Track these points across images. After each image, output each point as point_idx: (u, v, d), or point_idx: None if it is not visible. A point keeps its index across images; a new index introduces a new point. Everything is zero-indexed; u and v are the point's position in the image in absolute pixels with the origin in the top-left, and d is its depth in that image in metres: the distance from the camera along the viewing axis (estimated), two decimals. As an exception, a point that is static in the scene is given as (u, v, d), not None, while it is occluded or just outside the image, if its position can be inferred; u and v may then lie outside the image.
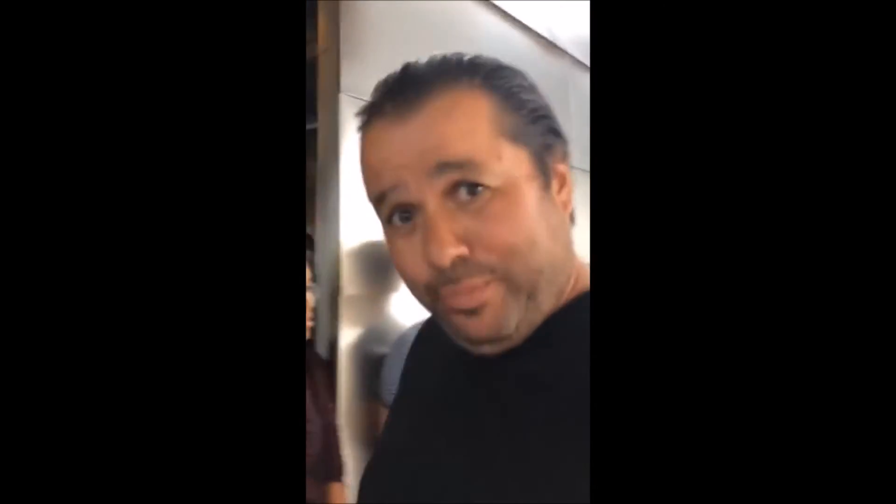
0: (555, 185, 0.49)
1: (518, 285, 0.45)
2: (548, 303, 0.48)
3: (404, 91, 0.46)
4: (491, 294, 0.45)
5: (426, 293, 0.47)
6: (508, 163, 0.45)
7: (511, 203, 0.45)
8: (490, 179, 0.44)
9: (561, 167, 0.50)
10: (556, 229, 0.48)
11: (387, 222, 0.48)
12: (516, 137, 0.46)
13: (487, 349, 0.48)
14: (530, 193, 0.46)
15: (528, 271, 0.45)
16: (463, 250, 0.44)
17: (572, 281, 0.50)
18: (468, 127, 0.44)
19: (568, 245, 0.50)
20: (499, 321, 0.46)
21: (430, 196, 0.44)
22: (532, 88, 0.50)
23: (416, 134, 0.44)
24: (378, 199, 0.47)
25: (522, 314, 0.46)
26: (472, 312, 0.46)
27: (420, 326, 0.69)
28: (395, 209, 0.47)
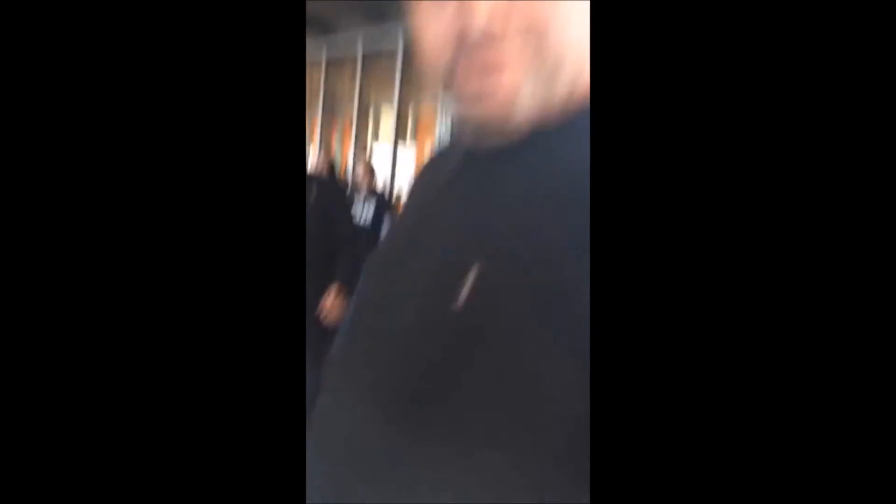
0: None
1: (543, 57, 0.44)
2: (561, 91, 0.46)
3: None
4: (517, 53, 0.44)
5: (448, 69, 0.46)
6: None
7: None
8: None
9: None
10: (584, 21, 0.44)
11: None
12: None
13: (493, 140, 0.48)
14: None
15: (557, 44, 0.44)
16: (498, 21, 0.42)
17: (583, 78, 0.47)
18: None
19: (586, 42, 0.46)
20: (513, 93, 0.44)
21: None
22: None
23: None
24: None
25: (537, 93, 0.45)
26: (488, 92, 0.44)
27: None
28: None
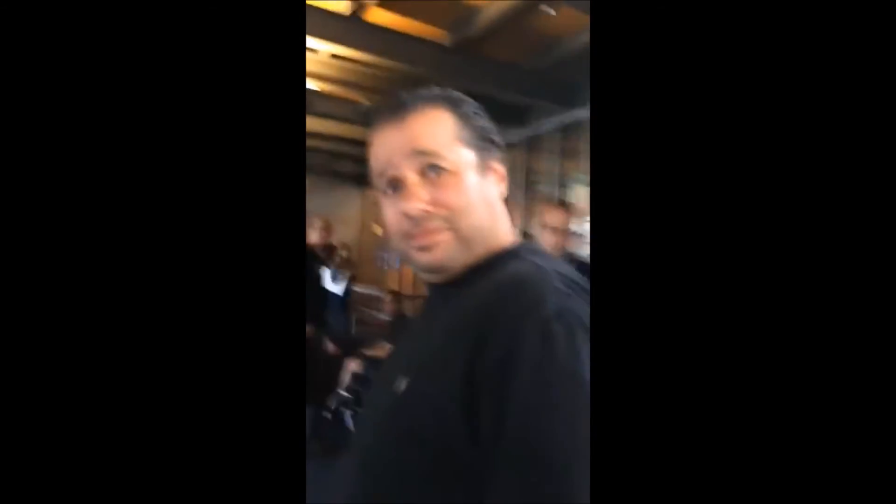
0: (494, 177, 0.78)
1: (461, 235, 0.72)
2: (479, 250, 0.74)
3: (399, 107, 0.74)
4: (442, 238, 0.71)
5: (401, 238, 0.73)
6: (459, 157, 0.73)
7: (460, 181, 0.72)
8: (447, 164, 0.71)
9: (499, 167, 0.79)
10: (491, 204, 0.76)
11: (383, 193, 0.75)
12: (466, 143, 0.75)
13: (434, 277, 0.76)
14: (472, 177, 0.74)
15: (468, 227, 0.72)
16: (428, 207, 0.70)
17: (500, 241, 0.77)
18: (436, 132, 0.73)
19: (497, 217, 0.77)
20: (445, 256, 0.72)
21: (409, 172, 0.71)
22: (482, 115, 0.78)
23: (404, 132, 0.73)
24: (379, 175, 0.74)
25: (461, 255, 0.72)
26: (427, 248, 0.71)
27: None
28: (388, 182, 0.73)
